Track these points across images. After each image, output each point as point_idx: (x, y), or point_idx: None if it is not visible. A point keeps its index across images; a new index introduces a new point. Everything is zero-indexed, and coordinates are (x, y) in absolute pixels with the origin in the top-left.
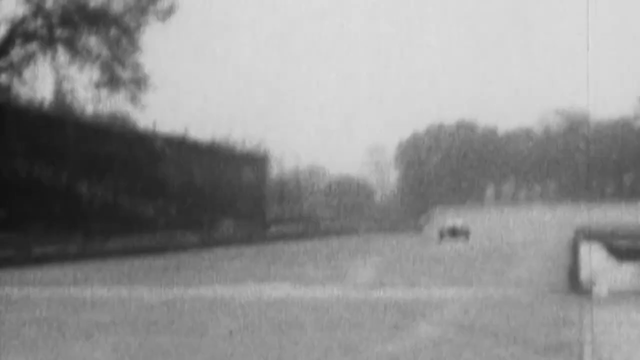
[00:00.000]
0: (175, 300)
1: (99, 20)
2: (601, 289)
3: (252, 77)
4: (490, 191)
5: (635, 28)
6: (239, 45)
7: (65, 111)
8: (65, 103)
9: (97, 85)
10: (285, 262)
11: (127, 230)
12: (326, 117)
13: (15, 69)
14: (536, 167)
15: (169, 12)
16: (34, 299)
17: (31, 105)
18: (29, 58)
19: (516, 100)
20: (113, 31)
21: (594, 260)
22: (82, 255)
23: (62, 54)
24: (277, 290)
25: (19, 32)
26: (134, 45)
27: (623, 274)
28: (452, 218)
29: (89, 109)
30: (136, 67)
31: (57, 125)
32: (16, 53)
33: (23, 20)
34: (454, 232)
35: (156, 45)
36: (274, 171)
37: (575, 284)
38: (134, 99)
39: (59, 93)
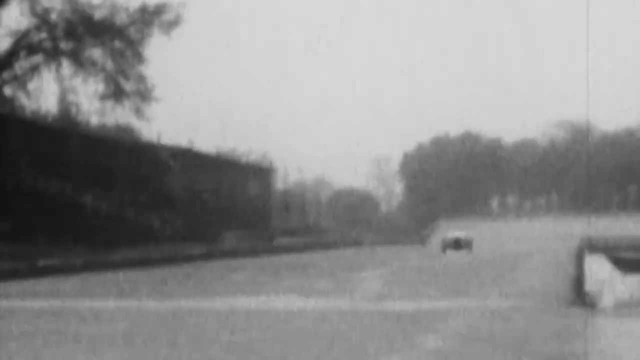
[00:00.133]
0: (180, 312)
1: (104, 32)
2: (606, 300)
3: (258, 90)
4: (494, 203)
5: (637, 39)
6: (244, 58)
7: (70, 123)
8: (70, 115)
9: (102, 98)
10: (290, 273)
11: (132, 242)
12: (331, 129)
13: (20, 81)
14: (540, 178)
15: (173, 24)
16: (38, 310)
17: (36, 117)
18: (33, 70)
19: (520, 112)
20: (117, 43)
21: (599, 271)
22: (87, 267)
23: (66, 66)
24: (282, 302)
25: (23, 44)
26: (138, 58)
27: (627, 285)
28: (454, 230)
29: (94, 121)
30: (140, 79)
31: (62, 137)
32: (20, 65)
33: (27, 32)
34: (456, 244)
35: (161, 57)
36: (279, 183)
37: (579, 295)
38: (138, 111)
39: (63, 105)
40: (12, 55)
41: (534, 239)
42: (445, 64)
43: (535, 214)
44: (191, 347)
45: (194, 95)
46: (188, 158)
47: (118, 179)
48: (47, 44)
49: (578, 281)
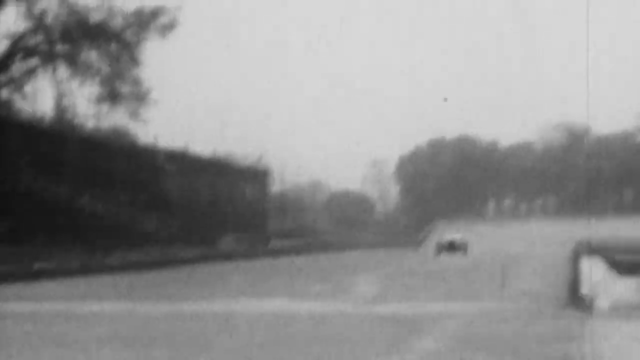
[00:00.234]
0: (177, 315)
1: (100, 35)
2: (601, 303)
3: (254, 91)
4: (491, 205)
5: (636, 41)
6: (241, 59)
7: (66, 126)
8: (66, 118)
9: (98, 100)
10: (286, 276)
11: (128, 245)
12: (327, 131)
13: (16, 84)
14: (537, 181)
15: (169, 27)
16: (34, 313)
17: (32, 120)
18: (29, 73)
19: (519, 113)
20: (113, 46)
21: (595, 274)
22: (83, 270)
23: (62, 69)
24: (277, 305)
25: (19, 47)
26: (134, 60)
27: (623, 288)
28: (450, 232)
29: (90, 124)
30: (136, 82)
31: (58, 139)
32: (17, 68)
33: (24, 35)
34: (451, 247)
35: (157, 59)
36: (275, 185)
37: (575, 298)
38: (134, 114)
39: (59, 108)
40: (8, 58)
41: (530, 242)
42: (444, 65)
43: (531, 217)
44: (188, 350)
45: (190, 97)
46: (184, 161)
47: (115, 182)
48: (44, 47)
49: (574, 283)
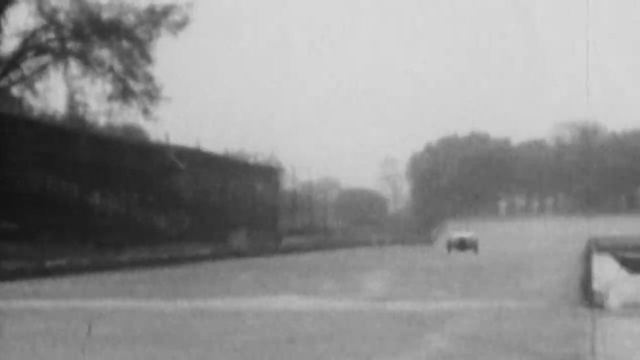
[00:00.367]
0: (188, 312)
1: (111, 33)
2: (613, 300)
3: (264, 90)
4: (502, 203)
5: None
6: (250, 58)
7: (78, 123)
8: (78, 115)
9: (110, 98)
10: (297, 274)
11: (139, 242)
12: (339, 130)
13: (28, 82)
14: (549, 179)
15: (181, 25)
16: (45, 310)
17: (43, 117)
18: (41, 70)
19: (529, 112)
20: (125, 44)
21: (606, 272)
22: (94, 267)
23: (74, 67)
24: (288, 302)
25: (31, 44)
26: (146, 58)
27: (635, 285)
28: (460, 230)
29: (102, 122)
30: (148, 79)
31: (70, 137)
32: (28, 65)
33: (35, 32)
34: (462, 244)
35: (168, 57)
36: (286, 183)
37: (587, 295)
38: (146, 112)
39: (71, 105)
40: (19, 55)
41: (541, 240)
42: (451, 64)
43: (543, 215)
44: (198, 347)
45: (202, 95)
46: (195, 158)
47: (125, 179)
48: (55, 45)
49: (585, 281)
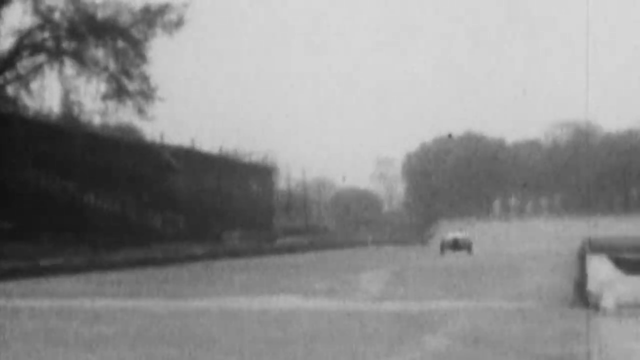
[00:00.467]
0: (183, 312)
1: (107, 32)
2: (608, 301)
3: (260, 90)
4: (497, 203)
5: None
6: (247, 58)
7: (73, 123)
8: (73, 115)
9: (105, 97)
10: (292, 273)
11: (134, 242)
12: (333, 129)
13: (23, 81)
14: (543, 179)
15: (176, 24)
16: (41, 310)
17: (38, 116)
18: (36, 70)
19: (523, 111)
20: (120, 43)
21: (601, 272)
22: (89, 267)
23: (69, 66)
24: (284, 302)
25: (26, 43)
26: (141, 57)
27: (630, 286)
28: (454, 230)
29: (97, 121)
30: (143, 79)
31: (65, 137)
32: (23, 65)
33: (30, 31)
34: (455, 245)
35: (164, 57)
36: (281, 183)
37: (581, 296)
38: (141, 111)
39: (66, 105)
40: (15, 54)
41: (536, 240)
42: (447, 64)
43: (537, 215)
44: (194, 347)
45: (197, 94)
46: (191, 158)
47: (121, 179)
48: (50, 44)
49: (580, 282)
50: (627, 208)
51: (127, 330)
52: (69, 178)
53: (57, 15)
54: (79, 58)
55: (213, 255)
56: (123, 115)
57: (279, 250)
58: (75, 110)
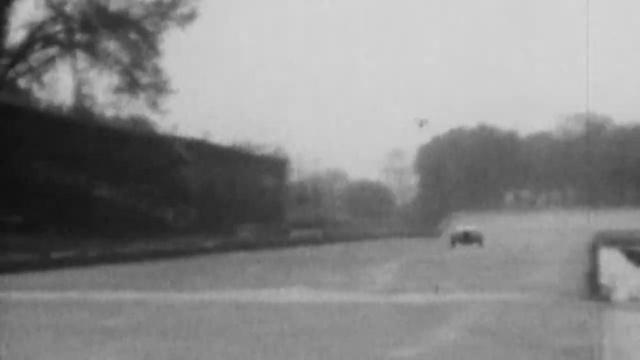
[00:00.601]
0: (195, 305)
1: (119, 24)
2: (620, 294)
3: (272, 82)
4: (509, 196)
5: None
6: (259, 50)
7: (85, 115)
8: (85, 107)
9: (117, 90)
10: (304, 266)
11: (146, 234)
12: (346, 122)
13: (35, 73)
14: (555, 172)
15: (188, 17)
16: (52, 303)
17: (50, 109)
18: (48, 62)
19: (536, 105)
20: (133, 36)
21: (613, 265)
22: (101, 259)
23: (81, 59)
24: (296, 295)
25: (38, 36)
26: (153, 50)
27: None
28: (464, 223)
29: (109, 114)
30: (156, 71)
31: (77, 129)
32: (36, 57)
33: (43, 24)
34: (466, 238)
35: (176, 50)
36: (293, 175)
37: (593, 289)
38: (153, 104)
39: (78, 97)
40: (27, 47)
41: (547, 233)
42: (458, 56)
43: (549, 208)
44: (205, 339)
45: (209, 87)
46: (203, 150)
47: (132, 172)
48: (63, 36)
49: (592, 275)
50: (639, 201)
51: (139, 323)
52: (80, 171)
53: (69, 8)
54: (91, 51)
55: (225, 248)
56: (135, 107)
57: (291, 243)
58: (88, 102)
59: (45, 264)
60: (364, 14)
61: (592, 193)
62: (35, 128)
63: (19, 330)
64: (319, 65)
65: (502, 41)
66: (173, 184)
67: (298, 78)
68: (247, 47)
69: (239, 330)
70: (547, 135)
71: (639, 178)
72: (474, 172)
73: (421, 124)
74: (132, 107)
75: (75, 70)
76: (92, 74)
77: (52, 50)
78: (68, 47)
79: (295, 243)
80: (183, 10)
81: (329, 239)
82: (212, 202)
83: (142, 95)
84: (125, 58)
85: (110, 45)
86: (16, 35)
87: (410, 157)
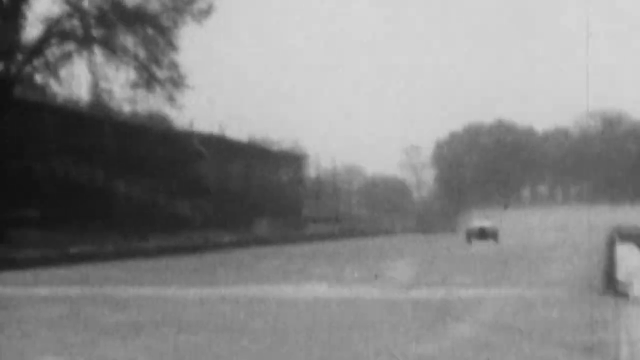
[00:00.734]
0: (212, 300)
1: (136, 20)
2: (637, 289)
3: (290, 78)
4: (526, 192)
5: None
6: (276, 46)
7: (102, 111)
8: (102, 103)
9: (134, 86)
10: (321, 261)
11: (163, 229)
12: (363, 117)
13: (52, 69)
14: (572, 167)
15: (206, 12)
16: (70, 297)
17: (67, 105)
18: (65, 57)
19: (553, 101)
20: (150, 31)
21: (630, 260)
22: (118, 254)
23: (98, 54)
24: (313, 290)
25: (55, 31)
26: (170, 45)
27: None
28: (480, 219)
29: (126, 109)
30: (173, 67)
31: (94, 124)
32: (52, 52)
33: (59, 19)
34: (482, 234)
35: (193, 45)
36: (310, 170)
37: (610, 284)
38: (170, 99)
39: (95, 93)
40: (43, 42)
41: (564, 228)
42: (477, 52)
43: (566, 203)
44: (223, 334)
45: (227, 82)
46: (220, 145)
47: (150, 167)
48: (79, 32)
49: (609, 270)
50: None
51: (157, 318)
52: (97, 166)
53: (85, 3)
54: (108, 46)
55: (242, 243)
56: (152, 103)
57: (308, 238)
58: (105, 98)
59: (62, 259)
60: (383, 9)
61: (610, 189)
62: (53, 123)
63: (38, 324)
64: (338, 61)
65: (528, 36)
66: (190, 179)
67: (317, 74)
68: (265, 43)
69: (254, 325)
70: (565, 131)
71: None
72: (491, 167)
73: None
74: (149, 103)
75: (92, 66)
76: (109, 69)
77: (69, 46)
78: (85, 42)
79: (312, 238)
80: (200, 5)
81: (345, 234)
82: (229, 197)
83: (159, 91)
84: (142, 53)
85: (127, 40)
86: (33, 31)
87: (426, 153)
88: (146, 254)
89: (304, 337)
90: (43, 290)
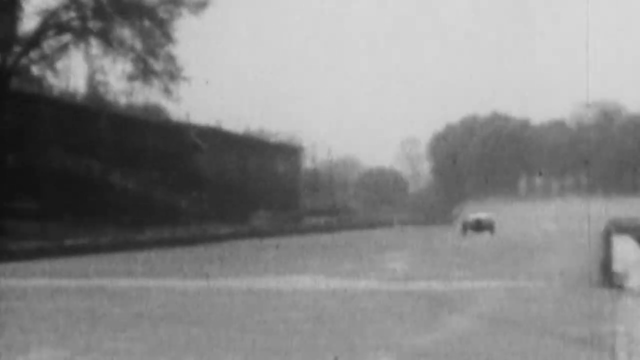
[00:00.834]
0: (209, 292)
1: (133, 12)
2: (634, 281)
3: (286, 69)
4: (522, 183)
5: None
6: (272, 38)
7: (99, 103)
8: (98, 95)
9: (130, 78)
10: (318, 254)
11: (160, 222)
12: (360, 109)
13: (48, 61)
14: (569, 159)
15: (202, 5)
16: (66, 290)
17: (64, 96)
18: (61, 49)
19: (549, 92)
20: (146, 23)
21: (627, 252)
22: (114, 247)
23: (95, 46)
24: (309, 282)
25: (51, 23)
26: (167, 37)
27: None
28: (476, 211)
29: (123, 101)
30: (169, 59)
31: (91, 116)
32: (49, 44)
33: (56, 11)
34: (478, 225)
35: (190, 37)
36: (307, 162)
37: (607, 276)
38: (167, 91)
39: (92, 85)
40: (40, 34)
41: (561, 220)
42: (472, 44)
43: (562, 195)
44: (219, 326)
45: (222, 74)
46: (216, 137)
47: (146, 159)
48: (76, 24)
49: (605, 262)
50: None
51: (153, 310)
52: (94, 158)
53: None
54: (105, 38)
55: (239, 235)
56: (149, 95)
57: (305, 231)
58: (101, 90)
59: (59, 251)
60: (379, 2)
61: (606, 181)
62: (49, 115)
63: (34, 316)
64: (334, 53)
65: (524, 27)
66: (187, 171)
67: (312, 66)
68: (261, 35)
69: (250, 317)
70: (561, 123)
71: None
72: (487, 159)
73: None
74: (146, 95)
75: (88, 58)
76: (106, 61)
77: (66, 38)
78: (81, 34)
79: (309, 230)
80: None
81: (342, 226)
82: (226, 190)
83: (155, 83)
84: (139, 45)
85: (124, 32)
86: (29, 22)
87: (422, 145)
88: (142, 246)
89: (302, 328)
90: (39, 282)
